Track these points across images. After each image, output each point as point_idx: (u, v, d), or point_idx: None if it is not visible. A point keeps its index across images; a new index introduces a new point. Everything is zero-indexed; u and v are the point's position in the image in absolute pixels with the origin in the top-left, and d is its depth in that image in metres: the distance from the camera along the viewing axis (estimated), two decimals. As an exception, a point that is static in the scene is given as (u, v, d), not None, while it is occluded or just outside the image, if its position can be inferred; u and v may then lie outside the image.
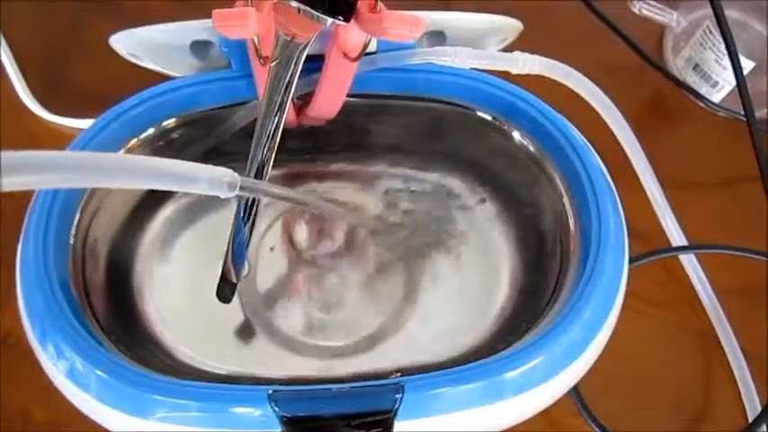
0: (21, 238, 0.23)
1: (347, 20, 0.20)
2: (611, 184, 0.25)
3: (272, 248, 0.29)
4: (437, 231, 0.29)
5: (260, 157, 0.23)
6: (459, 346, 0.26)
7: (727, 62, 0.35)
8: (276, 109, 0.22)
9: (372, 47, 0.25)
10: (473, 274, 0.28)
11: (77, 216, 0.24)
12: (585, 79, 0.27)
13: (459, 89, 0.27)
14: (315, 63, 0.24)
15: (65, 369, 0.21)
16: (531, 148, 0.27)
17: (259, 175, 0.23)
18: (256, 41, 0.22)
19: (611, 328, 0.23)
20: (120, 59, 0.29)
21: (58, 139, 0.34)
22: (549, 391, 0.22)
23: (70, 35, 0.38)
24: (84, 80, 0.36)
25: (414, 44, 0.26)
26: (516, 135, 0.27)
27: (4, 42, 0.35)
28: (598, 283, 0.22)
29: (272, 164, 0.23)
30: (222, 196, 0.18)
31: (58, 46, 0.37)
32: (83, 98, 0.36)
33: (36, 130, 0.34)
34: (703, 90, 0.37)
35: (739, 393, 0.29)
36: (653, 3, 0.38)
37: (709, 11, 0.32)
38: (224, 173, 0.18)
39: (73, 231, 0.24)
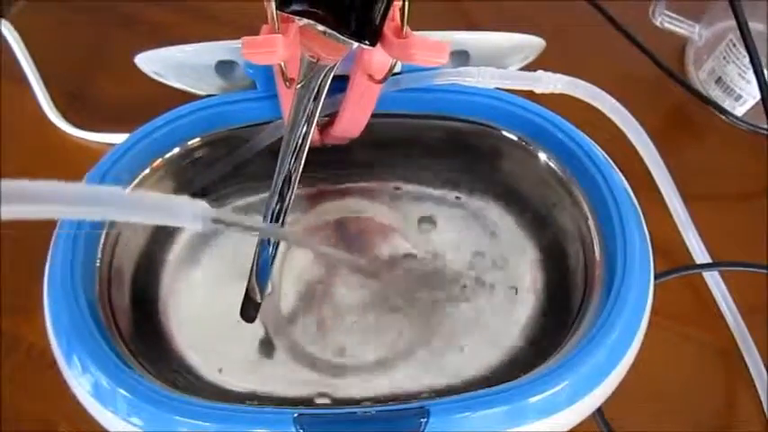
0: (48, 260, 0.23)
1: (373, 44, 0.20)
2: (636, 203, 0.25)
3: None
4: (459, 251, 0.29)
5: (284, 176, 0.23)
6: (483, 369, 0.26)
7: (750, 76, 0.35)
8: (301, 130, 0.22)
9: (397, 67, 0.25)
10: (495, 294, 0.28)
11: (102, 239, 0.24)
12: (609, 98, 0.26)
13: (483, 109, 0.27)
14: (339, 83, 0.24)
15: (89, 386, 0.21)
16: (556, 168, 0.27)
17: (284, 194, 0.23)
18: (282, 64, 0.22)
19: (636, 349, 0.23)
20: (144, 76, 0.29)
21: (82, 154, 0.34)
22: (573, 414, 0.22)
23: (95, 52, 0.38)
24: (109, 96, 0.36)
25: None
26: (542, 156, 0.27)
27: (29, 58, 0.35)
28: (624, 304, 0.22)
29: (296, 187, 0.23)
30: (199, 229, 0.18)
31: (83, 62, 0.38)
32: (107, 113, 0.36)
33: (60, 145, 0.35)
34: (726, 104, 0.37)
35: (763, 411, 0.29)
36: (674, 15, 0.38)
37: (732, 23, 0.31)
38: (197, 206, 0.18)
39: (99, 254, 0.24)
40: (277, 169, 0.23)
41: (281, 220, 0.23)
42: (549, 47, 0.31)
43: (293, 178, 0.23)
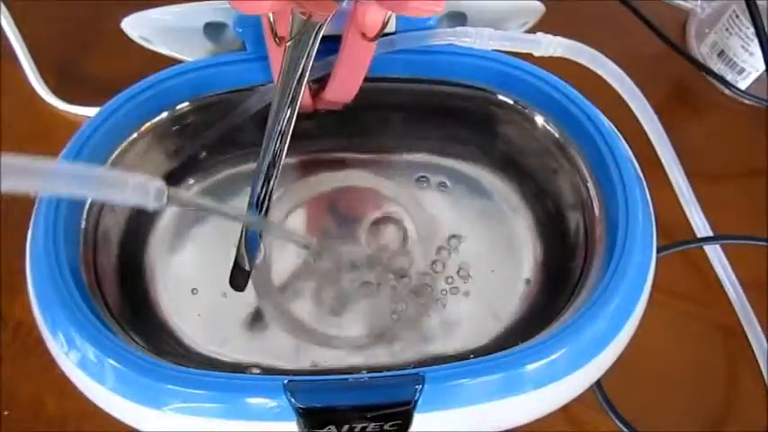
0: (31, 223, 0.23)
1: (366, -4, 0.20)
2: (639, 170, 0.24)
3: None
4: (457, 219, 0.29)
5: (274, 142, 0.22)
6: (480, 336, 0.26)
7: (754, 48, 0.34)
8: (291, 91, 0.22)
9: (391, 27, 0.24)
10: (494, 263, 0.27)
11: (87, 204, 0.24)
12: (611, 63, 0.26)
13: (480, 72, 0.26)
14: (332, 44, 0.23)
15: (76, 359, 0.21)
16: (554, 132, 0.26)
17: (273, 163, 0.23)
18: (272, 20, 0.21)
19: (637, 319, 0.23)
20: (137, 48, 0.29)
21: (73, 128, 0.34)
22: (572, 384, 0.21)
23: (86, 24, 0.37)
24: (100, 69, 0.36)
25: (434, 25, 0.25)
26: (539, 119, 0.26)
27: (17, 32, 0.35)
28: (625, 272, 0.22)
29: (285, 151, 0.23)
30: (149, 207, 0.17)
31: (74, 35, 0.37)
32: (99, 87, 0.35)
33: (50, 120, 0.34)
34: (728, 77, 0.36)
35: (766, 388, 0.28)
36: (677, -12, 0.37)
37: (735, -5, 0.31)
38: (150, 181, 0.17)
39: (84, 215, 0.23)
40: (266, 134, 0.22)
41: (271, 186, 0.23)
42: (549, 18, 0.30)
43: (284, 140, 0.22)
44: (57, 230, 0.22)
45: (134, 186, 0.17)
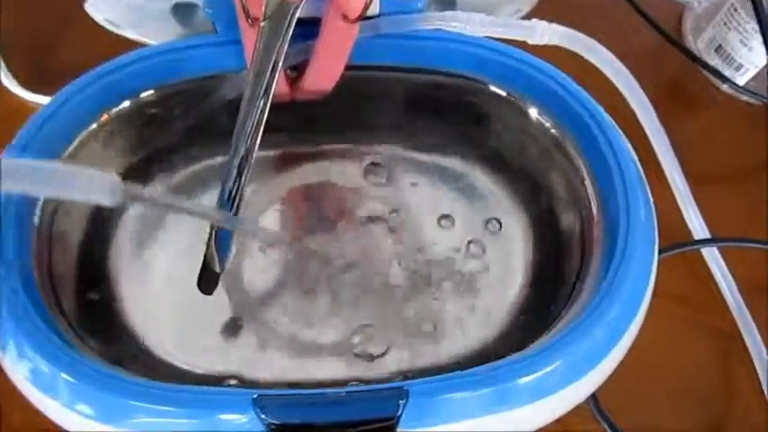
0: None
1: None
2: (641, 169, 0.23)
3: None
4: (446, 221, 0.27)
5: (247, 134, 0.21)
6: (469, 346, 0.24)
7: (753, 43, 0.33)
8: (266, 79, 0.20)
9: (375, 9, 0.23)
10: (484, 266, 0.26)
11: (41, 197, 0.22)
12: (608, 53, 0.25)
13: (470, 59, 0.24)
14: (311, 28, 0.22)
15: (27, 372, 0.19)
16: (549, 126, 0.25)
17: (245, 156, 0.21)
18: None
19: (637, 328, 0.21)
20: (111, 38, 0.27)
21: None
22: (566, 398, 0.20)
23: (58, 15, 0.35)
24: (70, 57, 0.34)
25: (421, 8, 0.24)
26: (533, 112, 0.25)
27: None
28: (626, 278, 0.20)
29: (258, 142, 0.21)
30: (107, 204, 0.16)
31: (46, 26, 0.35)
32: (68, 76, 0.34)
33: (17, 110, 0.32)
34: (726, 73, 0.35)
35: (764, 394, 0.27)
36: (673, -20, 0.36)
37: (733, -12, 0.30)
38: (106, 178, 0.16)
39: (38, 213, 0.22)
40: (237, 124, 0.21)
41: (243, 180, 0.21)
42: (541, 8, 0.29)
43: (257, 132, 0.20)
44: (5, 230, 0.20)
45: (87, 182, 0.16)
